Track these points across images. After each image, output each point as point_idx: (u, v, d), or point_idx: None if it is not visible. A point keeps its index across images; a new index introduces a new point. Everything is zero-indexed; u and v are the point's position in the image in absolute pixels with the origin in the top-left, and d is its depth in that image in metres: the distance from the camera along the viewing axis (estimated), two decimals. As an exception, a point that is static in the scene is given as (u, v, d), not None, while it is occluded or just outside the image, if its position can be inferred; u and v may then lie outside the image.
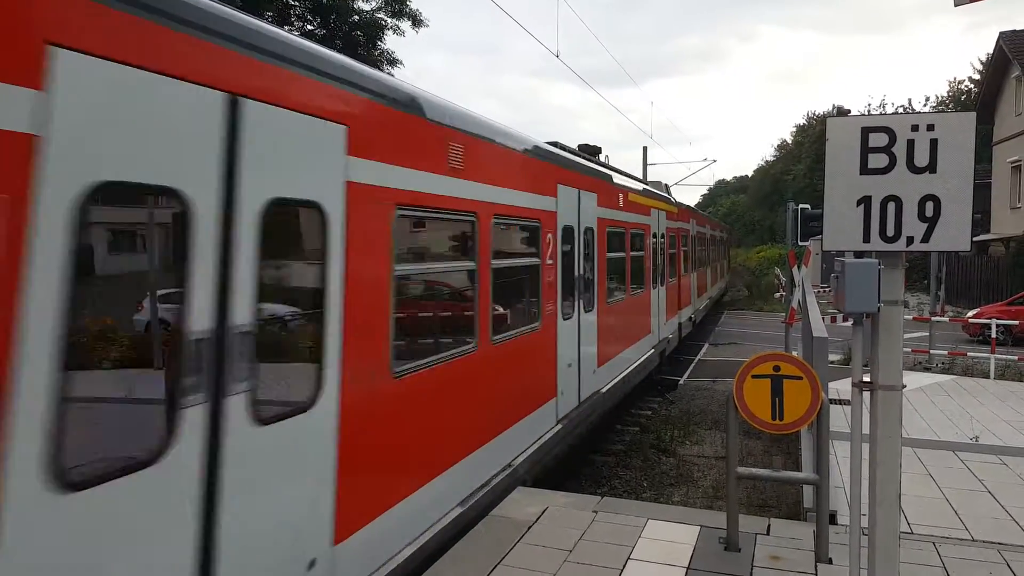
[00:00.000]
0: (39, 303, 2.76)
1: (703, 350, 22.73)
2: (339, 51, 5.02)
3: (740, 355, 19.72)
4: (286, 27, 15.98)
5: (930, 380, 14.20)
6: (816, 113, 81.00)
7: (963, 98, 55.39)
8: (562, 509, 6.74)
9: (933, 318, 18.43)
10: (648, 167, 38.80)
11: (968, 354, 16.58)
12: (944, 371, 15.88)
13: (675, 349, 18.50)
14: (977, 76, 51.17)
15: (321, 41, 19.04)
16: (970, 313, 23.53)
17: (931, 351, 16.65)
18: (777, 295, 33.44)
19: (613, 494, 9.80)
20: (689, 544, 6.01)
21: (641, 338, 13.74)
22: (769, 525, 6.44)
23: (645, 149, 40.09)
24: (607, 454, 11.96)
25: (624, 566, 5.60)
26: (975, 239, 29.25)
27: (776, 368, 5.73)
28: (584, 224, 9.94)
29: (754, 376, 5.75)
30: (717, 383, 17.34)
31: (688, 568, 5.59)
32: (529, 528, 6.28)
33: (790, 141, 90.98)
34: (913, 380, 13.67)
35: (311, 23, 22.43)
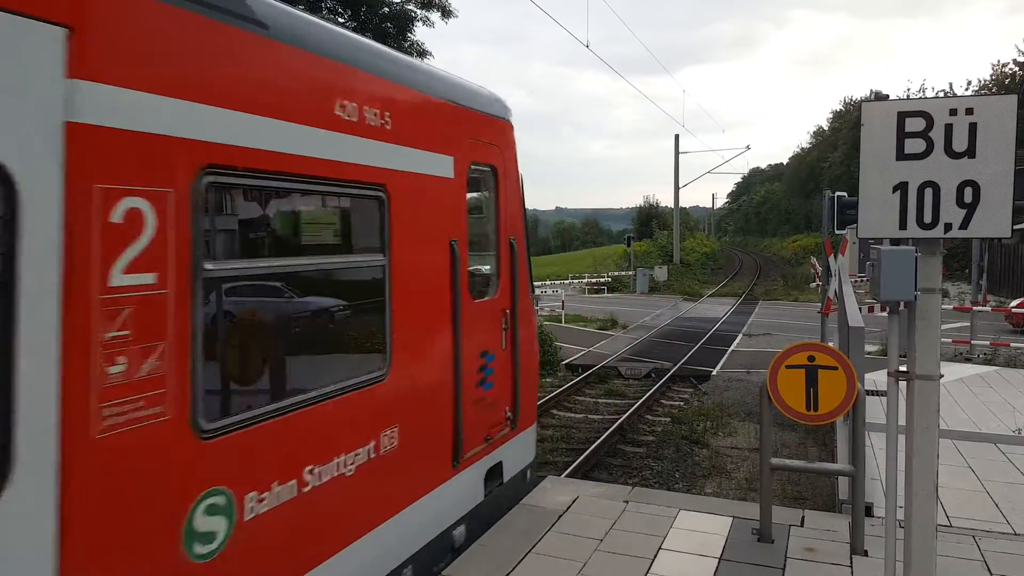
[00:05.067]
0: None
1: (736, 340, 22.51)
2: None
3: (774, 345, 19.49)
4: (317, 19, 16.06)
5: (971, 371, 13.87)
6: (853, 98, 79.62)
7: (1007, 82, 53.81)
8: (593, 499, 6.75)
9: (974, 308, 17.97)
10: (680, 155, 38.48)
11: (1011, 344, 16.17)
12: (986, 362, 15.50)
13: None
14: (1022, 59, 49.68)
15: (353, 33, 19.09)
16: (1014, 303, 22.94)
17: (972, 341, 16.25)
18: (813, 284, 32.98)
19: (644, 485, 9.78)
20: (721, 535, 5.98)
21: None
22: (803, 517, 6.38)
23: (677, 137, 39.68)
24: (638, 445, 11.93)
25: (656, 556, 5.60)
26: (1017, 227, 28.44)
27: (811, 358, 5.65)
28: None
29: (788, 366, 5.69)
30: (751, 373, 17.17)
31: (720, 559, 5.56)
32: (560, 517, 6.30)
33: (826, 127, 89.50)
34: (954, 371, 13.39)
35: (342, 16, 22.58)
